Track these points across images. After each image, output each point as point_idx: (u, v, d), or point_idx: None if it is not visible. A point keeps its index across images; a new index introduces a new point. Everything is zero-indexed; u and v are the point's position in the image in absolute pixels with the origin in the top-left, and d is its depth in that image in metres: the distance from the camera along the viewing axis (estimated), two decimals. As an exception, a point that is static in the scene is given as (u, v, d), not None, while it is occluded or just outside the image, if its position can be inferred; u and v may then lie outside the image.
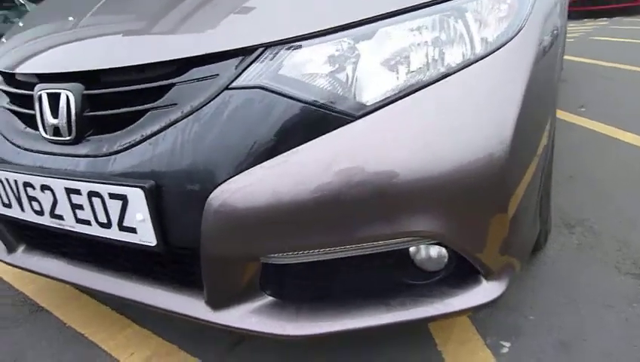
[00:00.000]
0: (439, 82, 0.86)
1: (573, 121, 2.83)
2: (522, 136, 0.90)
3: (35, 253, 1.25)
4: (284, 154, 0.83)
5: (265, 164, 0.83)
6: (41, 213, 1.06)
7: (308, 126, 0.83)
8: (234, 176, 0.83)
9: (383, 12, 0.88)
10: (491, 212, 0.90)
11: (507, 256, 0.97)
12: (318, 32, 0.87)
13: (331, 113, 0.83)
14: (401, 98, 0.85)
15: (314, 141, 0.83)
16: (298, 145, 0.83)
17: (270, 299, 0.96)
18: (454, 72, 0.87)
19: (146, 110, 0.92)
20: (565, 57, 4.00)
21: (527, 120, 0.91)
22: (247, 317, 0.95)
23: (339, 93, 0.85)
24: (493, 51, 0.90)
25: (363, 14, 0.88)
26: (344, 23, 0.88)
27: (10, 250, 1.29)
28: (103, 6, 1.18)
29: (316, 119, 0.83)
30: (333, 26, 0.88)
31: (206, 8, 0.99)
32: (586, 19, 9.45)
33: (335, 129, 0.83)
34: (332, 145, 0.82)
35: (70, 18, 1.17)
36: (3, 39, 1.35)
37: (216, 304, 0.96)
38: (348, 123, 0.83)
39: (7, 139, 1.12)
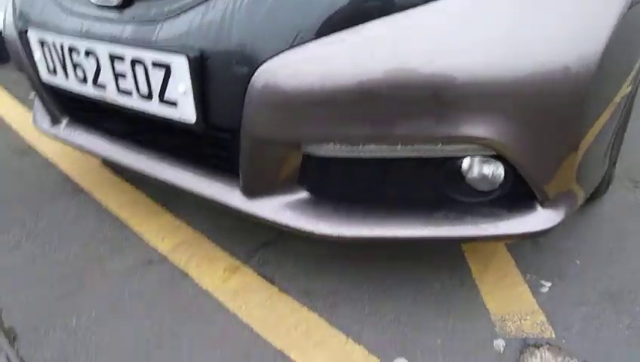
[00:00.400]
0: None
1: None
2: (613, 62, 0.78)
3: (78, 128, 1.25)
4: (343, 32, 0.74)
5: (320, 40, 0.75)
6: (84, 80, 1.03)
7: (374, 3, 0.74)
8: (284, 51, 0.76)
9: None
10: (565, 132, 0.80)
11: (571, 185, 0.88)
12: None
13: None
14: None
15: (377, 21, 0.74)
16: (359, 24, 0.74)
17: (308, 194, 0.92)
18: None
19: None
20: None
21: (620, 47, 0.79)
22: (281, 210, 0.91)
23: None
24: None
25: None
26: None
27: (55, 121, 1.29)
28: None
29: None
30: None
31: None
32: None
33: (402, 10, 0.73)
34: (396, 29, 0.73)
35: None
36: None
37: (251, 193, 0.93)
38: (419, 5, 0.73)
39: (55, 2, 1.08)
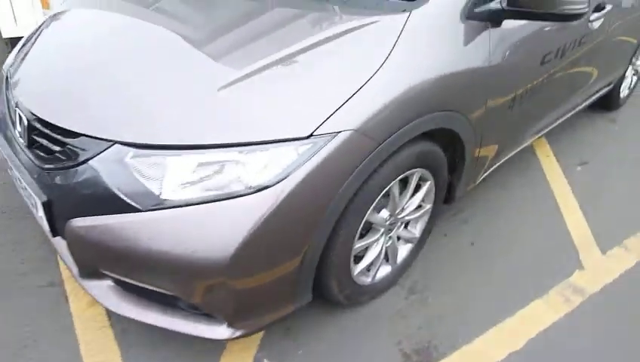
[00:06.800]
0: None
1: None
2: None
3: None
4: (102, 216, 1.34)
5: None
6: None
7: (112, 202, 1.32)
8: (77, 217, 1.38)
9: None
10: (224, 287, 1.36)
11: (249, 317, 1.44)
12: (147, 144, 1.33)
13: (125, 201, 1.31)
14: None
15: (123, 215, 1.32)
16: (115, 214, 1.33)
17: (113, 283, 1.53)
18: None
19: (54, 152, 1.46)
20: None
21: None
22: (102, 290, 1.54)
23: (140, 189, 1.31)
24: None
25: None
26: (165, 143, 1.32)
27: None
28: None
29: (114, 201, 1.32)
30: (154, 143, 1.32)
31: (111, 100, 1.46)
32: None
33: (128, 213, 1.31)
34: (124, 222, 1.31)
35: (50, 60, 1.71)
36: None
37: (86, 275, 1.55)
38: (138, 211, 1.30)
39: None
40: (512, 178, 2.65)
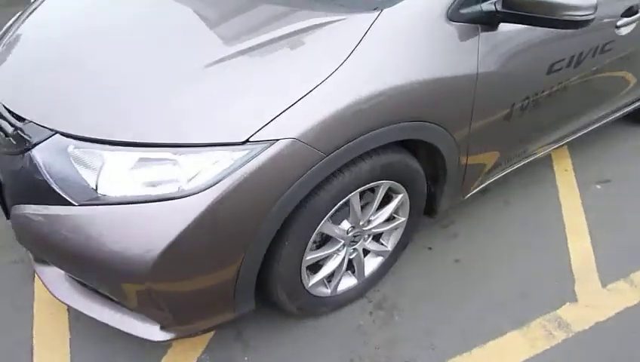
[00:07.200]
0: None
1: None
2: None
3: None
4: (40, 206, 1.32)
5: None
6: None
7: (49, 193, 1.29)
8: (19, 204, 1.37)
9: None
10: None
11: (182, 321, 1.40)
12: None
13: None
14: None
15: (57, 207, 1.29)
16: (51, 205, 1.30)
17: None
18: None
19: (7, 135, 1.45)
20: None
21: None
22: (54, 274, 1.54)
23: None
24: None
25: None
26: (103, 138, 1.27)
27: None
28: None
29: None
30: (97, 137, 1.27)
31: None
32: None
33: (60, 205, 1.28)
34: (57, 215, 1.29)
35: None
36: None
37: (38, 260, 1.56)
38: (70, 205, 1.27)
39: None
40: (519, 192, 2.44)
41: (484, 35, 1.54)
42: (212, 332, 1.70)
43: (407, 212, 1.75)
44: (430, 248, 2.10)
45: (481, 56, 1.54)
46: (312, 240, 1.48)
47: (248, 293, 1.45)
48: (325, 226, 1.49)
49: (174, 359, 1.62)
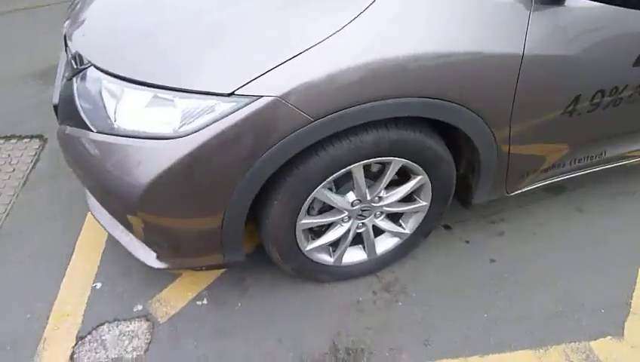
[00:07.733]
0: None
1: None
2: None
3: None
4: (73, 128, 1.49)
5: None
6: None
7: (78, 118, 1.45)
8: (62, 124, 1.56)
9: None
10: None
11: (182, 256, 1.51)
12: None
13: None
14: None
15: (83, 130, 1.45)
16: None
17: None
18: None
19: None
20: None
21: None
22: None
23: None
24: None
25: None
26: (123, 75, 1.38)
27: None
28: None
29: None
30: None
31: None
32: None
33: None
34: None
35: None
36: None
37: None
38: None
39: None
40: (600, 202, 2.09)
41: (536, 9, 1.32)
42: (219, 271, 1.80)
43: (429, 197, 1.62)
44: (467, 241, 1.93)
45: (530, 33, 1.32)
46: (306, 203, 1.45)
47: (236, 244, 1.49)
48: (321, 193, 1.45)
49: (178, 288, 1.76)
